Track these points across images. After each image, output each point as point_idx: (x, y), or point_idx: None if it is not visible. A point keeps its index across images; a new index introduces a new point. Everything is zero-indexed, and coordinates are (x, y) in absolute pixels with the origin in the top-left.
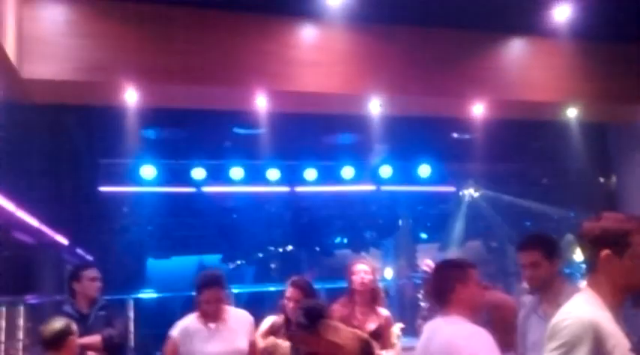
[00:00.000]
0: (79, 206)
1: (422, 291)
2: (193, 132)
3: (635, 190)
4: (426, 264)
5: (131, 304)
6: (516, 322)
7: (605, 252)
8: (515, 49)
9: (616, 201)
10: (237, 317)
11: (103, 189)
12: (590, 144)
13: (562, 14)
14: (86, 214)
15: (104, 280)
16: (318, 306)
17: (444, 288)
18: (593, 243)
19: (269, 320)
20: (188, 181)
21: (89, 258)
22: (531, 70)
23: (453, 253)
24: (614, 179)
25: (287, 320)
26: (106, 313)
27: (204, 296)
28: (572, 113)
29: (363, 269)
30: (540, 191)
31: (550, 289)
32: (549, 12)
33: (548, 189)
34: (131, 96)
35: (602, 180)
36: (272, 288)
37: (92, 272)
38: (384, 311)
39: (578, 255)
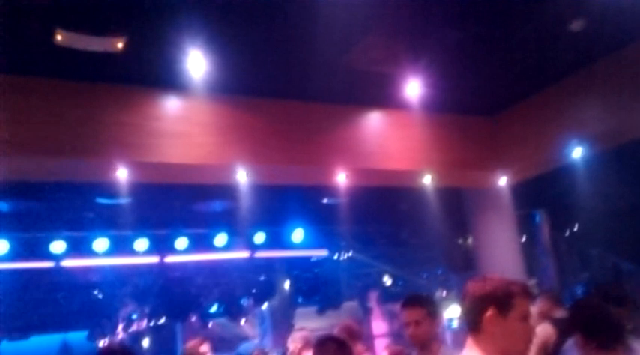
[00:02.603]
0: None
1: None
2: (52, 203)
3: (490, 249)
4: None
5: None
6: None
7: (491, 312)
8: (373, 121)
9: (474, 259)
10: None
11: None
12: (448, 207)
13: (413, 90)
14: None
15: None
16: None
17: None
18: (478, 303)
19: None
20: (46, 255)
21: None
22: (388, 140)
23: (330, 315)
24: (470, 239)
25: None
26: None
27: None
28: (427, 180)
29: None
30: (408, 251)
31: (429, 348)
32: (402, 87)
33: (414, 249)
34: None
35: (460, 240)
36: None
37: None
38: None
39: (449, 312)
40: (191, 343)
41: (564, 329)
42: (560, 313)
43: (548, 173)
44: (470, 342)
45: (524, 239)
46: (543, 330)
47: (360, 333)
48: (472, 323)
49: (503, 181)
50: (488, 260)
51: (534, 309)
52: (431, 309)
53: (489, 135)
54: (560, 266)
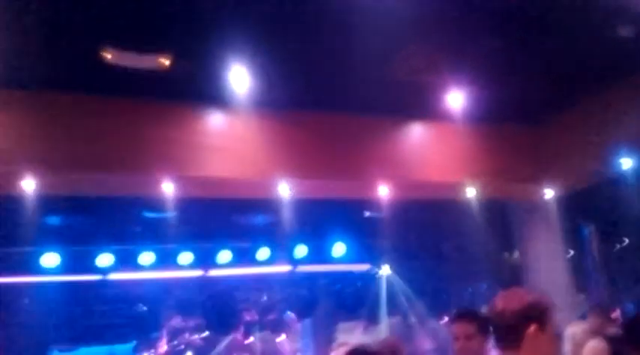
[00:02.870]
0: None
1: None
2: (100, 217)
3: (537, 263)
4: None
5: None
6: None
7: (533, 327)
8: (415, 133)
9: (520, 273)
10: None
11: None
12: (493, 220)
13: (455, 100)
14: None
15: None
16: None
17: None
18: (518, 318)
19: None
20: (94, 268)
21: None
22: (430, 152)
23: (374, 331)
24: (516, 253)
25: None
26: None
27: None
28: (471, 192)
29: None
30: (451, 265)
31: None
32: (443, 98)
33: (458, 263)
34: (29, 185)
35: (506, 254)
36: None
37: None
38: None
39: None
40: None
41: (618, 346)
42: (612, 330)
43: (596, 185)
44: None
45: (572, 253)
46: (596, 346)
47: (403, 351)
48: (510, 339)
49: (549, 193)
50: (535, 274)
51: (585, 326)
52: (481, 325)
53: (534, 146)
54: (610, 282)
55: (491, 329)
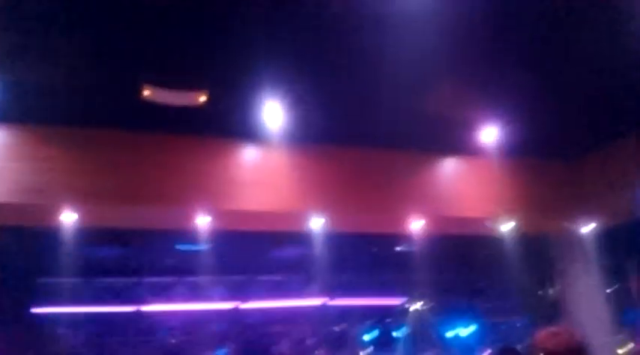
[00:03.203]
0: (13, 326)
1: None
2: (136, 250)
3: (576, 299)
4: None
5: None
6: None
7: None
8: (449, 167)
9: (558, 309)
10: None
11: (39, 309)
12: (531, 255)
13: (489, 135)
14: (20, 335)
15: None
16: None
17: None
18: None
19: None
20: (129, 300)
21: None
22: (465, 186)
23: None
24: (554, 289)
25: None
26: None
27: None
28: (507, 227)
29: None
30: (486, 301)
31: None
32: (478, 132)
33: (494, 299)
34: (68, 217)
35: (543, 290)
36: None
37: None
38: None
39: None
40: None
41: None
42: None
43: (638, 220)
44: None
45: (613, 289)
46: None
47: None
48: None
49: (588, 228)
50: (574, 310)
51: None
52: None
53: (570, 181)
54: None
55: None
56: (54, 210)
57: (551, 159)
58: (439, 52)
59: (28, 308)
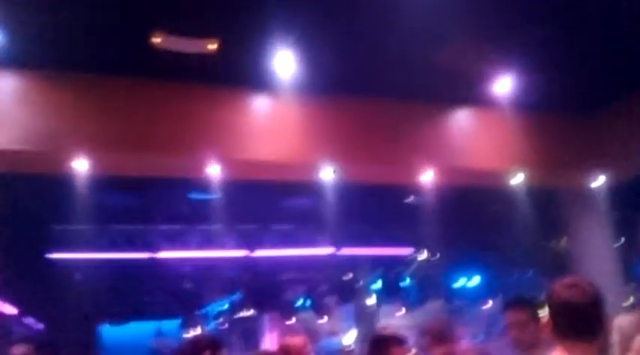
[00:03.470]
0: (29, 274)
1: None
2: (148, 198)
3: (585, 252)
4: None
5: None
6: None
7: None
8: (462, 119)
9: (566, 261)
10: None
11: (54, 256)
12: (541, 208)
13: (503, 87)
14: (36, 282)
15: (57, 350)
16: None
17: None
18: (598, 307)
19: None
20: (143, 247)
21: (39, 327)
22: (477, 138)
23: (414, 314)
24: (563, 241)
25: None
26: None
27: None
28: (518, 179)
29: None
30: (496, 252)
31: (532, 352)
32: (492, 84)
33: (504, 251)
34: (81, 165)
35: (552, 242)
36: None
37: (19, 349)
38: None
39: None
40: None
41: None
42: None
43: None
44: (589, 348)
45: (621, 242)
46: None
47: (448, 335)
48: (593, 331)
49: (600, 181)
50: (581, 263)
51: (633, 317)
52: (535, 312)
53: (583, 135)
54: None
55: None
56: (66, 158)
57: (564, 112)
58: (455, 2)
59: (43, 254)
